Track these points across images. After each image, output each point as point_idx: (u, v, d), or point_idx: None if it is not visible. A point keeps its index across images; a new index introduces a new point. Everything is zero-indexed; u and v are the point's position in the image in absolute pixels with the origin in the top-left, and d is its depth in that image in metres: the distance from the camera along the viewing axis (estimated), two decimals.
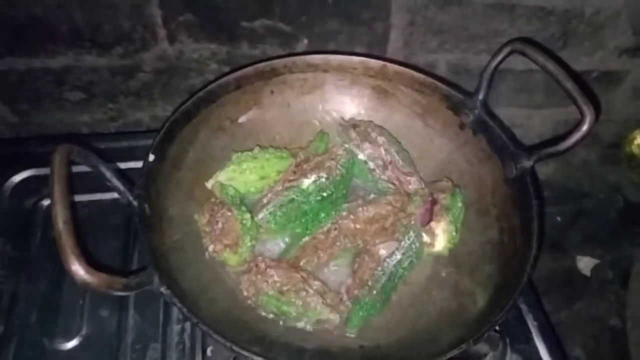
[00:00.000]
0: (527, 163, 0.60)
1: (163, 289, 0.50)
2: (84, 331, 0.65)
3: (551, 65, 0.58)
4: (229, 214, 0.62)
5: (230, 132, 0.71)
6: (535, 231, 0.57)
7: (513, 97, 0.90)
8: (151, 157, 0.60)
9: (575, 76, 0.58)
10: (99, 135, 0.90)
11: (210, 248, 0.62)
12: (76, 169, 0.49)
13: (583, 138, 0.56)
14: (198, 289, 0.57)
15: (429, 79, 0.69)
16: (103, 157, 0.54)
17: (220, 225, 0.62)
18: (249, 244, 0.62)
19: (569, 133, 0.57)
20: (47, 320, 0.65)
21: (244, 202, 0.66)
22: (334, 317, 0.59)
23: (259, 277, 0.60)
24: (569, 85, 0.57)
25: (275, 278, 0.60)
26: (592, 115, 0.55)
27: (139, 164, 0.62)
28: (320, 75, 0.72)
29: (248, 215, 0.63)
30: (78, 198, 0.74)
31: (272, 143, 0.72)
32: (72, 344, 0.64)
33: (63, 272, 0.66)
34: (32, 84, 0.81)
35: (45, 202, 0.76)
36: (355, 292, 0.61)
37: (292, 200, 0.65)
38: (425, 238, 0.66)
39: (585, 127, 0.55)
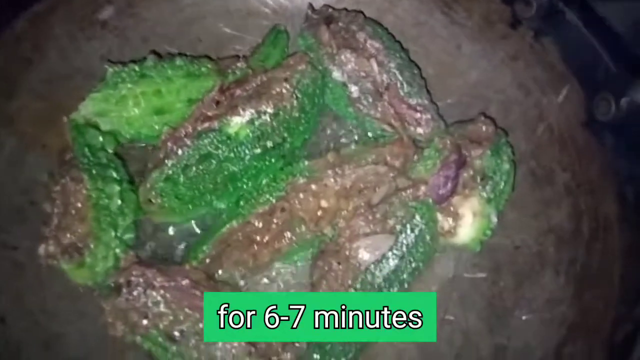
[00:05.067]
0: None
1: None
2: None
3: None
4: (77, 187, 0.42)
5: (113, 28, 0.57)
6: None
7: None
8: None
9: None
10: None
11: (41, 250, 0.43)
12: None
13: None
14: (29, 326, 0.43)
15: None
16: None
17: (61, 207, 0.43)
18: (113, 245, 0.42)
19: None
20: None
21: (113, 159, 0.49)
22: None
23: (134, 303, 0.41)
24: None
25: (162, 308, 0.41)
26: None
27: None
28: None
29: (116, 188, 0.44)
30: None
31: (188, 50, 0.58)
32: None
33: None
34: None
35: None
36: None
37: (207, 156, 0.49)
38: (443, 223, 0.50)
39: None
